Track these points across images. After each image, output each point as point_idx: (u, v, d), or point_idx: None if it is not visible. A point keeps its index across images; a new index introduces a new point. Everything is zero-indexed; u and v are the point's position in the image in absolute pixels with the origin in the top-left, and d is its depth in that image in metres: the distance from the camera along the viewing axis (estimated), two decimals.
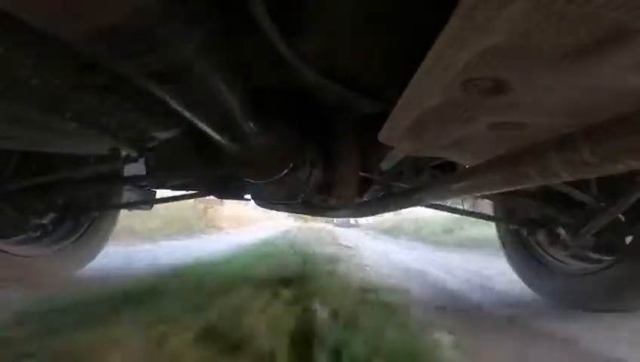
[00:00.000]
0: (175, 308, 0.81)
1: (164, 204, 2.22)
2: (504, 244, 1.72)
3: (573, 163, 0.46)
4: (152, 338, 0.61)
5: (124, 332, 0.63)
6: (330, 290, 1.18)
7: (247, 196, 1.49)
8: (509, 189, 0.64)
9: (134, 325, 0.66)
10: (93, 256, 1.67)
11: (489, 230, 2.68)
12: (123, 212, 1.86)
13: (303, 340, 0.67)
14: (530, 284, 1.57)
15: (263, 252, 2.70)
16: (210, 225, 6.27)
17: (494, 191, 0.68)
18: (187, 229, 5.05)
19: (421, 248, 4.54)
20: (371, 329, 0.76)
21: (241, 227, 8.12)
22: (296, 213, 1.52)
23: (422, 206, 1.28)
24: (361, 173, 1.14)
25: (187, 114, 0.61)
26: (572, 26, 0.33)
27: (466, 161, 0.83)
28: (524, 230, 1.49)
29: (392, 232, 7.61)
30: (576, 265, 1.41)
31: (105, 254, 1.76)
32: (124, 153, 1.35)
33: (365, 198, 1.36)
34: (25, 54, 0.57)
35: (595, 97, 0.43)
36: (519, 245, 1.60)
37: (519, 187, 0.60)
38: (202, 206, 6.11)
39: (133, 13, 0.35)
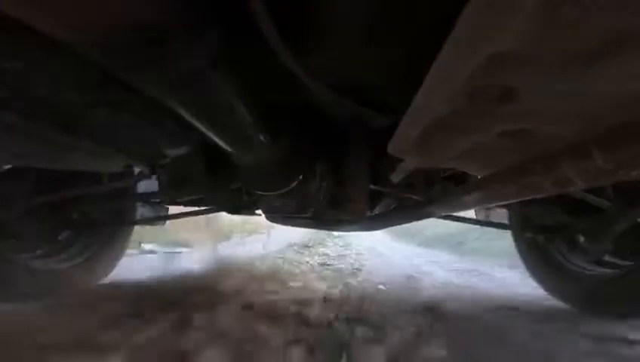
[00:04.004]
0: None
1: None
2: (521, 251, 1.69)
3: (588, 170, 0.45)
4: None
5: None
6: None
7: (259, 211, 1.50)
8: (522, 199, 0.63)
9: None
10: (108, 271, 1.71)
11: None
12: None
13: None
14: (549, 290, 1.54)
15: None
16: None
17: (507, 202, 0.67)
18: None
19: None
20: None
21: None
22: (307, 227, 1.52)
23: (434, 217, 1.26)
24: (371, 186, 1.13)
25: (199, 126, 0.62)
26: (580, 31, 0.32)
27: (476, 172, 0.82)
28: (541, 237, 1.47)
29: None
30: (596, 270, 1.38)
31: None
32: (137, 170, 1.37)
33: (376, 211, 1.35)
34: (42, 71, 0.59)
35: (606, 103, 0.43)
36: (536, 252, 1.58)
37: (533, 197, 0.59)
38: None
39: (143, 22, 0.36)
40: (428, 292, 1.77)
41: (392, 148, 0.69)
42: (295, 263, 2.73)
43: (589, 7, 0.29)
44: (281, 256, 3.13)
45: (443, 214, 1.27)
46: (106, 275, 1.70)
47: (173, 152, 1.07)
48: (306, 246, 4.10)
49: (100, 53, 0.40)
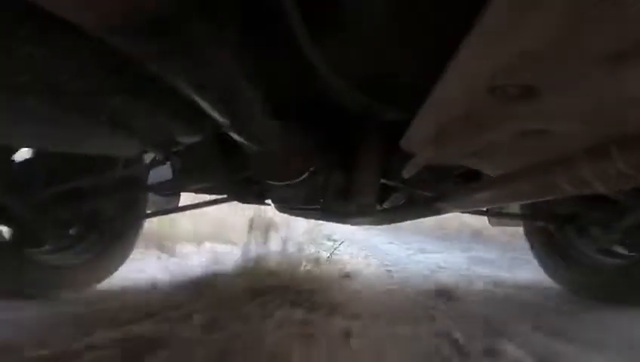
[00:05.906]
0: None
1: None
2: (530, 240, 1.69)
3: (608, 173, 0.44)
4: None
5: None
6: None
7: (268, 201, 1.50)
8: (536, 200, 0.62)
9: None
10: (119, 265, 1.68)
11: None
12: None
13: None
14: (555, 277, 1.55)
15: None
16: None
17: (521, 202, 0.66)
18: None
19: None
20: None
21: None
22: (315, 218, 1.52)
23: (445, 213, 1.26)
24: (382, 181, 1.12)
25: (213, 114, 0.62)
26: (607, 30, 0.31)
27: (490, 171, 0.81)
28: (552, 226, 1.47)
29: None
30: (604, 260, 1.38)
31: None
32: (148, 160, 1.39)
33: (385, 206, 1.34)
34: (65, 57, 0.59)
35: (629, 105, 0.41)
36: (546, 241, 1.58)
37: (548, 198, 0.58)
38: None
39: (162, 9, 0.36)
40: None
41: (405, 143, 0.68)
42: None
43: (618, 7, 0.28)
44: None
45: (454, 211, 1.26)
46: (114, 272, 1.63)
47: (186, 139, 1.08)
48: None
49: (118, 39, 0.40)
